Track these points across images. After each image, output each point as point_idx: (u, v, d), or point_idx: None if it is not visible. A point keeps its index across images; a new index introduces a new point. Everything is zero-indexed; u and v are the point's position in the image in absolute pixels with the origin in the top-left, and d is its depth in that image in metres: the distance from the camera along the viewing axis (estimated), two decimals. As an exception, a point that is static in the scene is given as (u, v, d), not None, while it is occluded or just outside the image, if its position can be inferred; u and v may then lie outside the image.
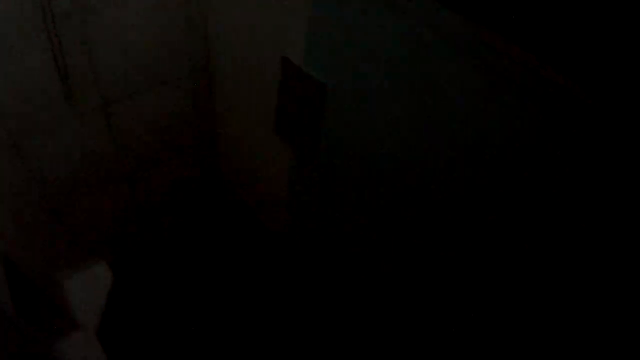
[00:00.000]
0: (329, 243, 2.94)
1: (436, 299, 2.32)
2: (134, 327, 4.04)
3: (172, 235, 4.26)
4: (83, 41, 2.68)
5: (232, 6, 2.74)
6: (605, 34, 1.10)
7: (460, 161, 1.74)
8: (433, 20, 1.51)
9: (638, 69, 1.08)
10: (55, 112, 2.82)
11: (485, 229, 1.78)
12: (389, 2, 1.66)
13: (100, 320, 3.55)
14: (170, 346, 4.00)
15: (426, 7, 1.51)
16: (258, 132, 3.09)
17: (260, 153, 3.21)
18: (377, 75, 1.92)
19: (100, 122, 3.04)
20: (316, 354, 3.78)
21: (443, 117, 1.74)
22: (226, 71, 3.17)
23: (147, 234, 4.04)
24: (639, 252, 1.31)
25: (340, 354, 3.52)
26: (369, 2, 1.77)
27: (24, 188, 2.94)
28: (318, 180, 2.67)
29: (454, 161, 1.77)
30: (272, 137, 2.97)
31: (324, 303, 3.42)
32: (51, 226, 3.31)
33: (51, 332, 3.34)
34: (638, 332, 1.46)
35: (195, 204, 4.19)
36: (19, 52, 2.49)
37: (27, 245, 3.21)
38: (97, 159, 3.20)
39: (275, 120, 2.69)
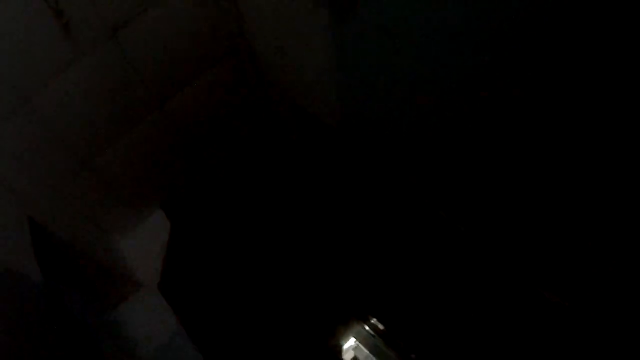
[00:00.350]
0: (384, 126, 2.52)
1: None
2: (198, 269, 3.83)
3: (221, 158, 3.84)
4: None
5: None
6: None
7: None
8: None
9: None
10: (58, 54, 2.30)
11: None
12: None
13: (161, 272, 3.32)
14: (236, 275, 3.78)
15: None
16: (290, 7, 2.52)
17: (297, 34, 2.62)
18: None
19: (112, 51, 2.50)
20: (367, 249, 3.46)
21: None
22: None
23: (196, 163, 3.63)
24: None
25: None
26: None
27: (45, 148, 2.54)
28: (361, 42, 2.20)
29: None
30: (306, 12, 2.40)
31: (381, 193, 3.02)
32: (89, 185, 2.98)
33: (112, 299, 3.15)
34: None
35: (240, 119, 3.67)
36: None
37: (70, 214, 2.91)
38: (118, 94, 2.69)
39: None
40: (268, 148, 3.88)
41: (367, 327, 5.63)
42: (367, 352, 7.00)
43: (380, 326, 5.06)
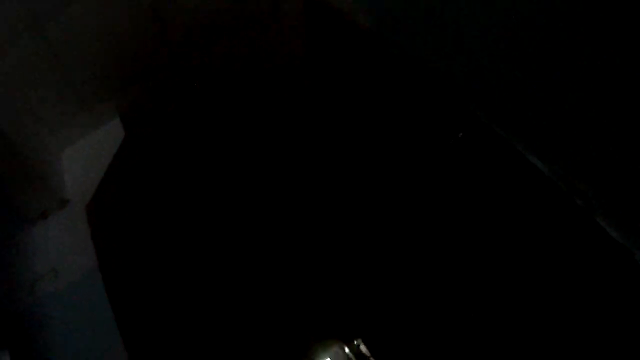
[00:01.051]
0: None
1: None
2: (141, 205, 3.07)
3: (213, 75, 3.11)
4: None
5: None
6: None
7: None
8: None
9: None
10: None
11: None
12: None
13: (94, 194, 2.63)
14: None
15: None
16: None
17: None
18: None
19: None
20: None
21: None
22: None
23: (177, 72, 2.96)
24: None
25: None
26: None
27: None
28: None
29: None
30: None
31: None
32: (36, 54, 2.37)
33: (29, 212, 2.51)
34: None
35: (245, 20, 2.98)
36: None
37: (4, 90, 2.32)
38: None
39: None
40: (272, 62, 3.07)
41: (347, 350, 4.80)
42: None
43: (364, 349, 4.23)
